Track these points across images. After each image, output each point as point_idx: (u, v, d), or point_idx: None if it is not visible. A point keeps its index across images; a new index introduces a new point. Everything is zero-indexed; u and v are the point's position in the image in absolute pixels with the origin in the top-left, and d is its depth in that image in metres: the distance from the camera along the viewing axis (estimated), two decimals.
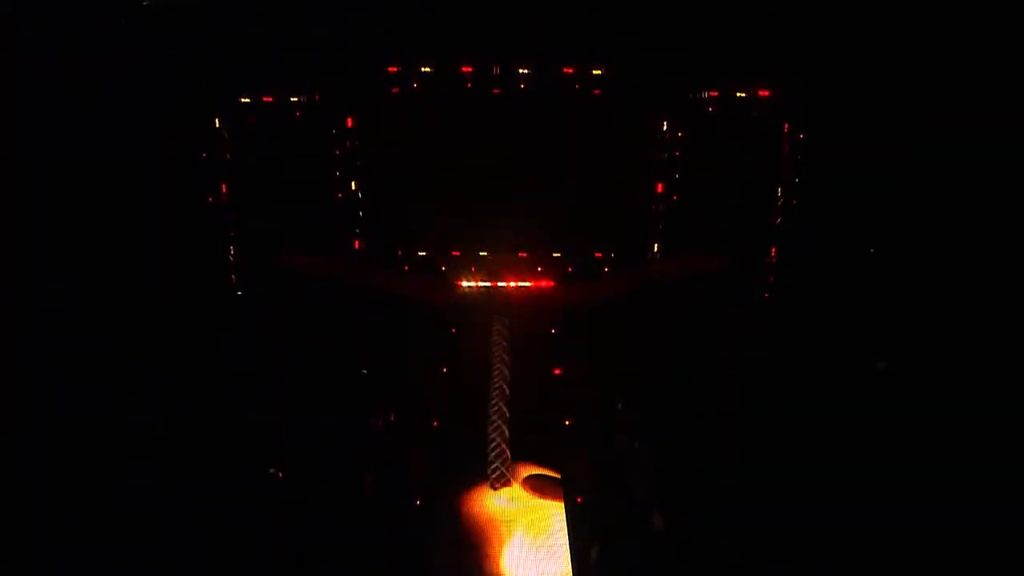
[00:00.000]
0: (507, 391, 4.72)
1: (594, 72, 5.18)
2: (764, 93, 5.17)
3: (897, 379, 4.85)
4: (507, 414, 4.56)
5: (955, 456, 4.32)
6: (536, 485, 4.32)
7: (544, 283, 5.49)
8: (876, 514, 4.05)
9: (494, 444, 4.39)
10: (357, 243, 5.41)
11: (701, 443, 4.59)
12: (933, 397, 4.65)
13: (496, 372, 4.87)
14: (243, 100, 5.13)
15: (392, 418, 5.00)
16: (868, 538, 3.99)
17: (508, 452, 4.36)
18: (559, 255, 5.48)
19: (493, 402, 4.64)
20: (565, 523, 4.16)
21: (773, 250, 5.35)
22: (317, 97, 5.17)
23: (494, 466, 4.31)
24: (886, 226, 5.09)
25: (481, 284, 5.50)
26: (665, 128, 5.27)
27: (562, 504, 4.25)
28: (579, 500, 4.29)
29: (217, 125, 5.13)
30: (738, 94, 5.19)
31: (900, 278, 5.05)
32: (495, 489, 4.26)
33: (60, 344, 4.74)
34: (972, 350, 4.72)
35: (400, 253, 5.48)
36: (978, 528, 3.90)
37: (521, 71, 5.18)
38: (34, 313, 4.79)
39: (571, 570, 3.95)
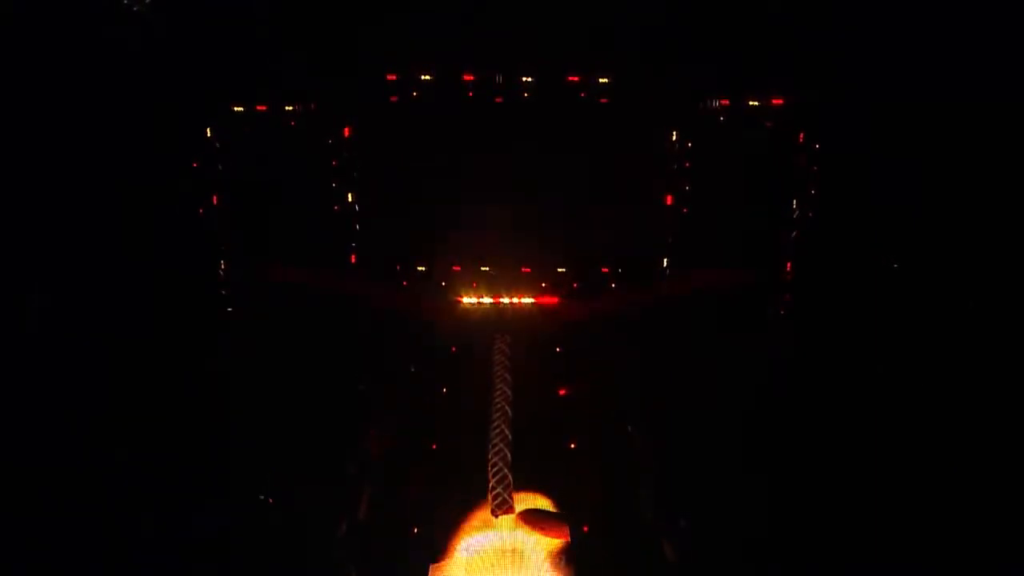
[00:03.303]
0: (509, 412, 4.57)
1: (600, 80, 5.09)
2: (777, 101, 5.06)
3: (920, 399, 4.68)
4: (509, 437, 4.39)
5: (976, 471, 4.19)
6: (538, 518, 4.15)
7: (548, 299, 5.41)
8: (898, 538, 3.93)
9: (496, 468, 4.24)
10: (353, 257, 5.32)
11: (714, 467, 4.42)
12: (957, 417, 4.49)
13: (498, 392, 4.72)
14: (236, 108, 5.04)
15: (389, 441, 4.83)
16: (888, 562, 3.84)
17: (510, 477, 4.19)
18: (564, 270, 5.39)
19: (495, 424, 4.48)
20: (571, 553, 3.97)
21: (789, 265, 5.24)
22: (313, 106, 5.09)
23: (496, 491, 4.14)
24: (909, 240, 4.95)
25: (483, 300, 5.42)
26: (674, 138, 5.17)
27: (567, 533, 4.06)
28: (585, 528, 4.13)
29: (209, 134, 5.04)
30: (750, 102, 5.08)
31: (924, 294, 4.89)
32: (496, 516, 4.08)
33: (40, 357, 4.60)
34: (1000, 369, 4.55)
35: (398, 268, 5.40)
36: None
37: (524, 79, 5.09)
38: (17, 325, 4.65)
39: None
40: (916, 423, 4.57)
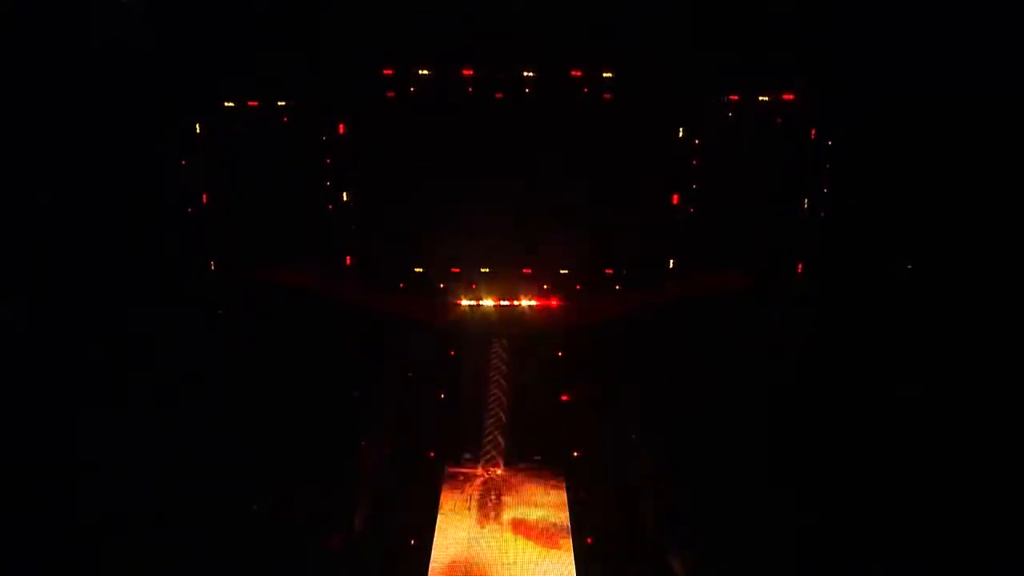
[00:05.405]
0: (504, 419, 4.51)
1: (604, 75, 4.97)
2: (789, 96, 4.93)
3: (932, 408, 4.53)
4: (503, 445, 4.35)
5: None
6: (538, 529, 4.02)
7: (551, 302, 5.33)
8: (902, 542, 3.84)
9: (488, 478, 4.18)
10: (349, 258, 5.25)
11: (720, 477, 4.26)
12: (970, 429, 4.32)
13: (493, 399, 4.65)
14: (226, 104, 4.96)
15: (386, 447, 4.70)
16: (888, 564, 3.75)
17: (502, 486, 4.16)
18: (567, 272, 5.31)
19: (488, 432, 4.45)
20: (572, 566, 3.87)
21: (800, 266, 5.13)
22: (306, 102, 5.01)
23: (489, 499, 4.10)
24: (924, 240, 4.81)
25: (482, 303, 5.34)
26: (681, 135, 5.05)
27: (569, 546, 3.98)
28: (589, 540, 4.04)
29: (198, 130, 4.96)
30: (760, 98, 4.96)
31: (940, 297, 4.75)
32: (483, 525, 4.01)
33: (27, 358, 4.50)
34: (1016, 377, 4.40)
35: (395, 269, 5.33)
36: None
37: (526, 74, 4.98)
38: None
39: None
40: (923, 425, 4.41)
